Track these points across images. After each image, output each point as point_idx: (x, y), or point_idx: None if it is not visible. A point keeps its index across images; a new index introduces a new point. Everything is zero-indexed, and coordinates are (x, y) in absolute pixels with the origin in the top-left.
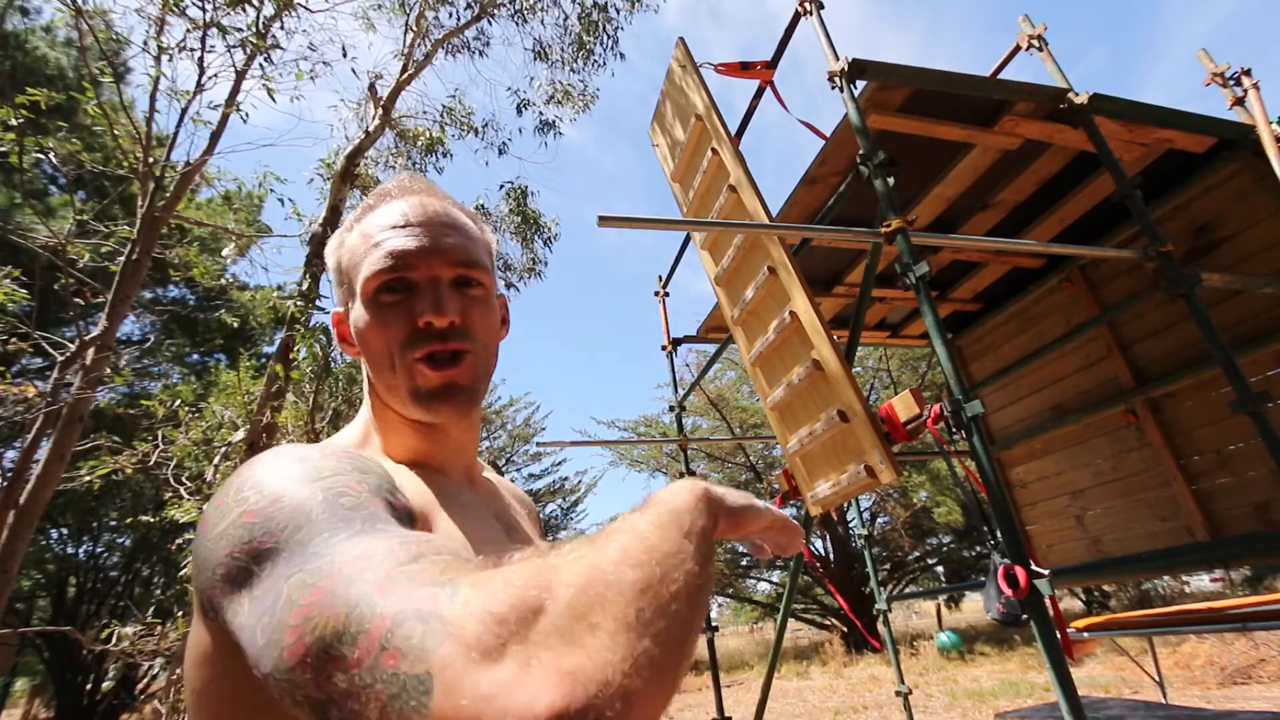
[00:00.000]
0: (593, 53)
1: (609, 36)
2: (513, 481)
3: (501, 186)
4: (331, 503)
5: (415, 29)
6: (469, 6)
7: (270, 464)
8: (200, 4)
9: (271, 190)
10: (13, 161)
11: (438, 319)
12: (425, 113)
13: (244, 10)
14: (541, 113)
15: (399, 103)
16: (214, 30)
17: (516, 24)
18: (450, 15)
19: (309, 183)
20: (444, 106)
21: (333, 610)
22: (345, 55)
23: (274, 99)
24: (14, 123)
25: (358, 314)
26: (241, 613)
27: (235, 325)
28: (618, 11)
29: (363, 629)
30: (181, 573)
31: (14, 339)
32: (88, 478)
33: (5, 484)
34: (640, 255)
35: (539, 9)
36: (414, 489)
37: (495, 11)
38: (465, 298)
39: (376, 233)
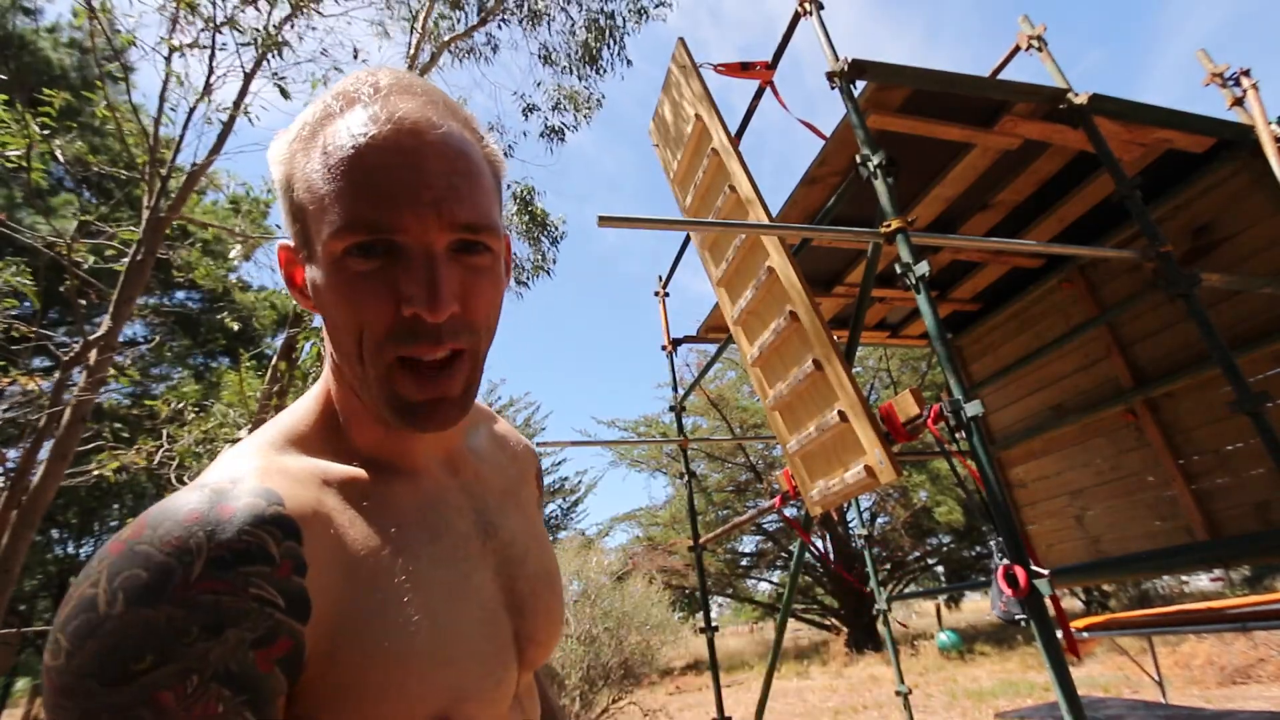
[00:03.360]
0: (599, 60)
1: (616, 43)
2: None
3: (509, 187)
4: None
5: (421, 32)
6: (479, 12)
7: (106, 597)
8: (213, 2)
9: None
10: (30, 171)
11: (431, 313)
12: None
13: (257, 9)
14: (547, 119)
15: None
16: (225, 30)
17: (524, 30)
18: (458, 21)
19: None
20: None
21: None
22: (356, 57)
23: (287, 97)
24: (39, 136)
25: (316, 275)
26: None
27: (237, 328)
28: (624, 21)
29: None
30: None
31: (18, 334)
32: (97, 471)
33: (7, 484)
34: (640, 255)
35: (546, 16)
36: (362, 529)
37: (502, 18)
38: (468, 269)
39: (347, 161)
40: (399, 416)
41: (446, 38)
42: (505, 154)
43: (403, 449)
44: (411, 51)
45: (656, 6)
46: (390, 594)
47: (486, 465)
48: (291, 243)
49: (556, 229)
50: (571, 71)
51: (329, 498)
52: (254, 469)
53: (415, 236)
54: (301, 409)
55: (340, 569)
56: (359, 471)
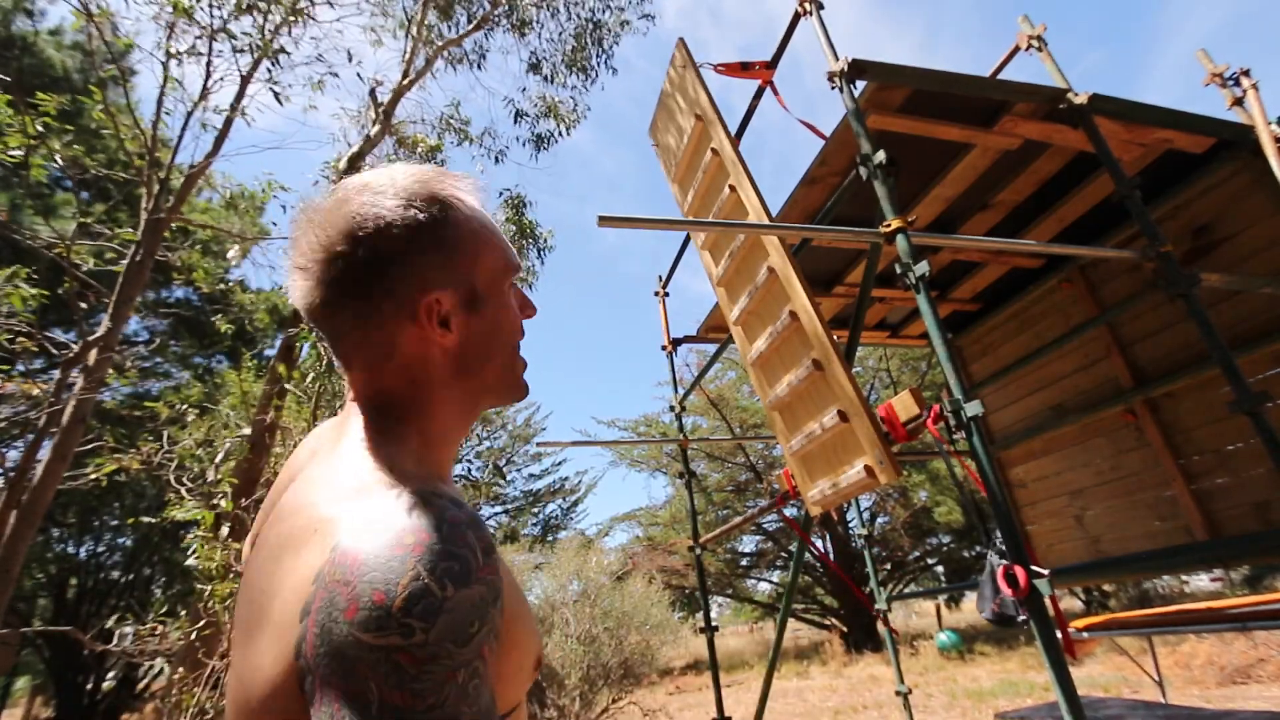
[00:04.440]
0: (586, 69)
1: (604, 51)
2: (512, 482)
3: (501, 194)
4: (452, 704)
5: (416, 37)
6: (470, 19)
7: (449, 581)
8: (209, 8)
9: (275, 196)
10: (30, 169)
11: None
12: (425, 119)
13: (253, 15)
14: (534, 127)
15: (399, 109)
16: (221, 35)
17: (515, 37)
18: (450, 29)
19: (314, 184)
20: (442, 116)
21: None
22: (351, 60)
23: (281, 102)
24: (37, 132)
25: (494, 298)
26: (323, 715)
27: (233, 330)
28: (609, 32)
29: None
30: (186, 565)
31: (19, 338)
32: (93, 476)
33: (7, 484)
34: (640, 255)
35: (536, 23)
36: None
37: (493, 24)
38: None
39: (494, 225)
40: (521, 390)
41: (439, 44)
42: (498, 158)
43: (450, 464)
44: (407, 57)
45: (640, 19)
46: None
47: None
48: (447, 311)
49: (545, 241)
50: (554, 80)
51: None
52: (434, 490)
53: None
54: (395, 449)
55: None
56: (451, 489)
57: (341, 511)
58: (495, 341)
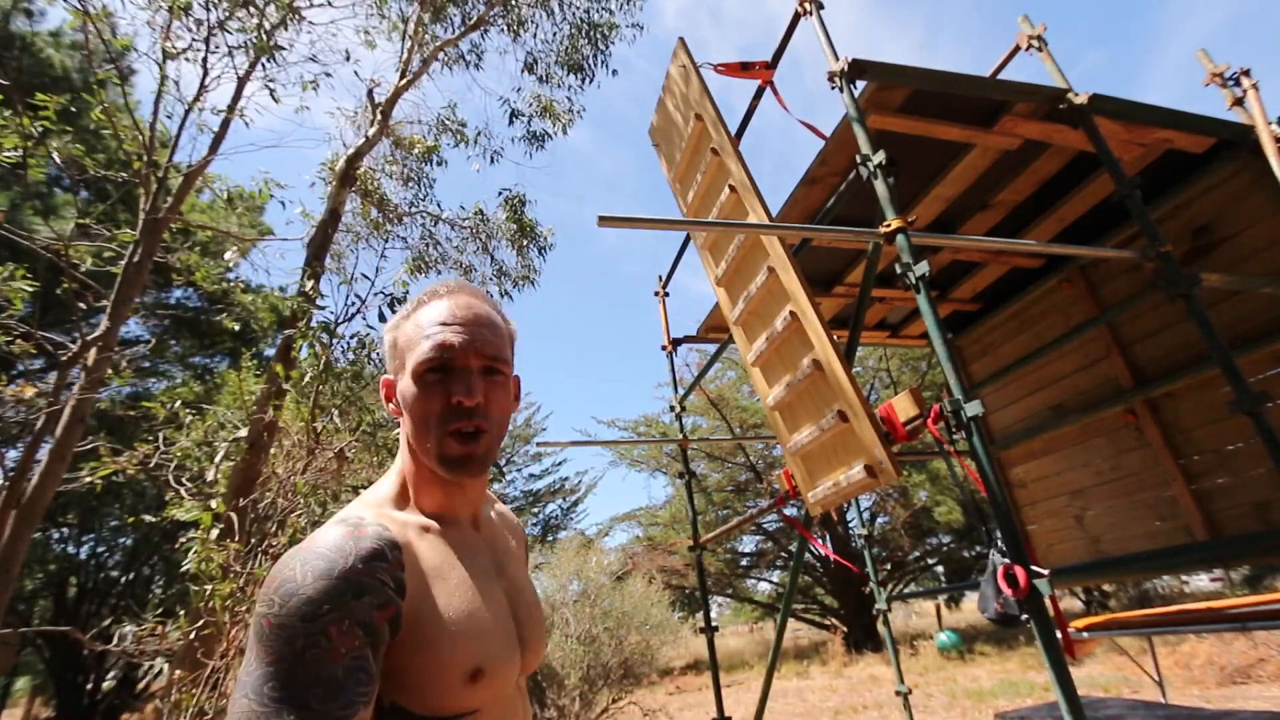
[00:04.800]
0: (582, 69)
1: (600, 51)
2: (512, 482)
3: (500, 193)
4: (303, 665)
5: (413, 38)
6: (464, 20)
7: (309, 574)
8: (205, 6)
9: (272, 195)
10: (28, 169)
11: (468, 399)
12: (422, 120)
13: (249, 10)
14: (530, 126)
15: (396, 110)
16: (218, 33)
17: (511, 37)
18: (445, 30)
19: (310, 185)
20: (439, 117)
21: None
22: (349, 59)
23: (277, 100)
24: (36, 133)
25: (406, 386)
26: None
27: (236, 329)
28: (603, 35)
29: None
30: (184, 569)
31: (18, 339)
32: (89, 479)
33: (7, 484)
34: (640, 255)
35: (531, 23)
36: (430, 552)
37: (488, 25)
38: (490, 383)
39: (428, 326)
40: (448, 466)
41: (434, 45)
42: (494, 158)
43: (449, 507)
44: (404, 57)
45: (629, 27)
46: (445, 590)
47: (495, 529)
48: (391, 375)
49: (545, 239)
50: (549, 80)
51: (411, 533)
52: (371, 515)
53: (461, 363)
54: (386, 484)
55: (419, 573)
56: (425, 520)
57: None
58: (411, 407)
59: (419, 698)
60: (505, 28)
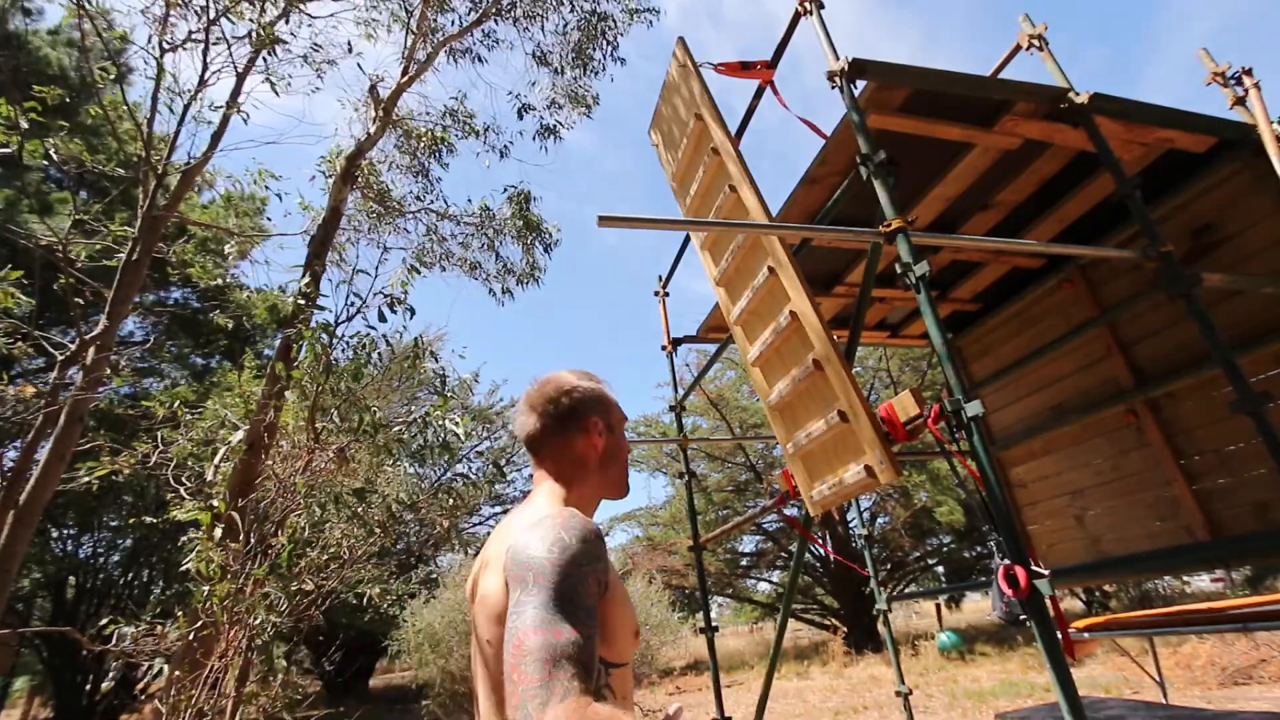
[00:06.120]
0: (592, 59)
1: (609, 43)
2: (512, 482)
3: (505, 190)
4: (574, 594)
5: (416, 32)
6: (470, 11)
7: (573, 538)
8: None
9: (268, 188)
10: (24, 156)
11: None
12: (428, 113)
13: (250, 4)
14: (542, 118)
15: (401, 105)
16: (217, 26)
17: (518, 30)
18: (451, 22)
19: (310, 179)
20: (446, 109)
21: (527, 655)
22: (350, 50)
23: (278, 94)
24: (24, 125)
25: (616, 441)
26: (514, 598)
27: (230, 326)
28: (616, 23)
29: (527, 673)
30: (184, 567)
31: (16, 340)
32: (86, 479)
33: (5, 484)
34: (640, 255)
35: (540, 15)
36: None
37: (496, 18)
38: None
39: (618, 409)
40: (624, 492)
41: (441, 38)
42: (503, 154)
43: (591, 516)
44: (406, 52)
45: (645, 10)
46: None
47: None
48: (599, 419)
49: (550, 235)
50: (564, 72)
51: None
52: (575, 509)
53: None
54: (556, 501)
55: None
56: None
57: (525, 529)
58: (620, 453)
59: (610, 648)
60: (513, 20)
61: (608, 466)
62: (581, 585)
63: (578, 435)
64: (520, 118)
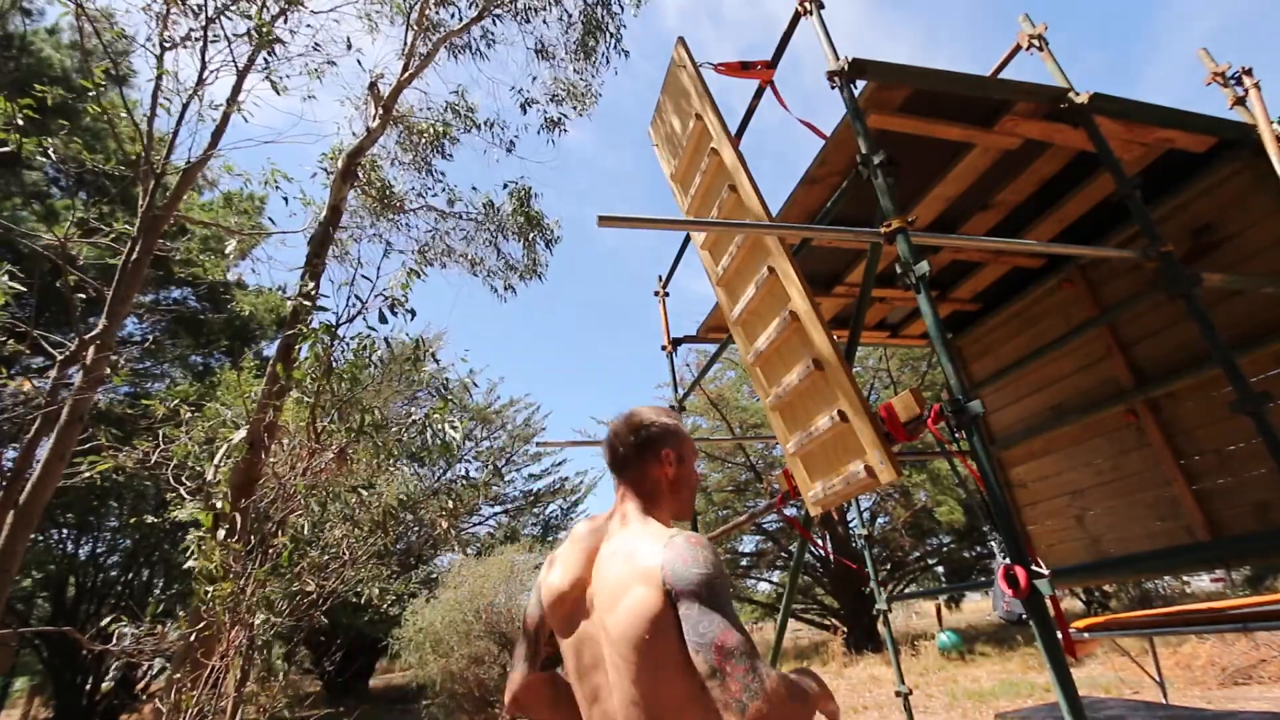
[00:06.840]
0: (596, 50)
1: (612, 35)
2: (511, 483)
3: (506, 186)
4: (730, 601)
5: (417, 27)
6: (472, 4)
7: (714, 555)
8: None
9: (276, 186)
10: (23, 154)
11: None
12: (429, 107)
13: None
14: (546, 111)
15: (402, 101)
16: (217, 23)
17: (519, 23)
18: (452, 15)
19: (312, 176)
20: (448, 103)
21: (733, 653)
22: (350, 47)
23: (279, 92)
24: (19, 121)
25: (687, 470)
26: (692, 611)
27: (237, 324)
28: (622, 9)
29: (738, 666)
30: (186, 566)
31: (13, 339)
32: (88, 474)
33: (5, 484)
34: (640, 255)
35: (541, 8)
36: None
37: (498, 11)
38: None
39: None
40: (691, 513)
41: (440, 34)
42: (509, 149)
43: None
44: (407, 48)
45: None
46: None
47: None
48: (672, 449)
49: (551, 231)
50: (568, 64)
51: None
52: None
53: None
54: (657, 522)
55: None
56: None
57: (661, 548)
58: (689, 481)
59: None
60: (514, 15)
61: (679, 491)
62: (729, 593)
63: (653, 463)
64: (524, 111)
